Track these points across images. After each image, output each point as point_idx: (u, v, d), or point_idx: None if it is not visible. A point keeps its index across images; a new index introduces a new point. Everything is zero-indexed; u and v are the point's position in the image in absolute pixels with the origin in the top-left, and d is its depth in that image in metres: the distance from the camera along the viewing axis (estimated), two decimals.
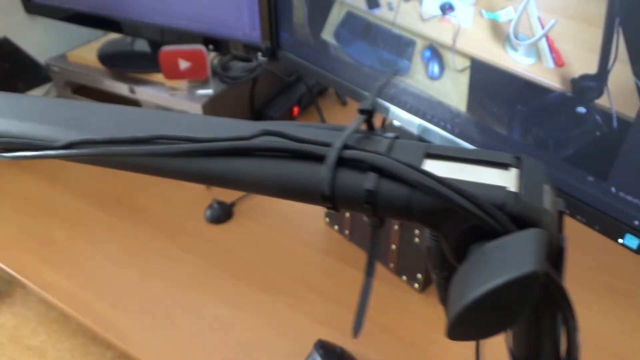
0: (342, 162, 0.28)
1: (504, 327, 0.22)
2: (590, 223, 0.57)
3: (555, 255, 0.26)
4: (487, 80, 0.61)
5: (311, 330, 0.72)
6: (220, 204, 0.92)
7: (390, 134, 0.30)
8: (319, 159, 0.28)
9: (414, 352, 0.70)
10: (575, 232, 0.79)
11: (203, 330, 0.74)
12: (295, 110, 1.17)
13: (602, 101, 0.51)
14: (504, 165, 0.27)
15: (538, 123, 0.57)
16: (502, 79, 0.59)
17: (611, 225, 0.55)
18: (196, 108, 0.99)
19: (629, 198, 0.52)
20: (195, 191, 0.97)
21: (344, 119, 1.20)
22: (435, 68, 0.66)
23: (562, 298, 0.26)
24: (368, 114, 0.31)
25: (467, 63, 0.62)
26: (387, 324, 0.74)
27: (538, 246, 0.22)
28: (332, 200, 0.29)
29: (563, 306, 0.26)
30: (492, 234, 0.24)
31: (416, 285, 0.78)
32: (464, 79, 0.63)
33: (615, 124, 0.51)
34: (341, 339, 0.70)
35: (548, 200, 0.26)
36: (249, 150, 0.30)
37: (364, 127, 0.32)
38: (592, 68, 0.51)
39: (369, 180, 0.27)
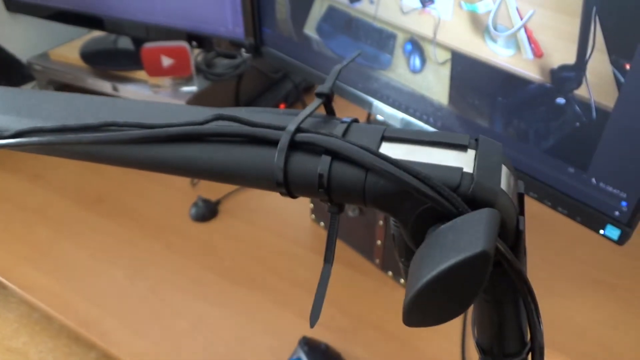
0: (296, 146, 0.27)
1: (459, 310, 0.22)
2: (571, 215, 0.57)
3: (513, 237, 0.26)
4: (467, 73, 0.61)
5: (296, 326, 0.72)
6: (205, 201, 0.92)
7: (348, 118, 0.30)
8: (273, 143, 0.27)
9: (400, 347, 0.70)
10: (559, 225, 0.80)
11: (188, 329, 0.73)
12: (282, 107, 1.16)
13: (581, 91, 0.51)
14: (461, 147, 0.27)
15: (518, 115, 0.57)
16: (483, 71, 0.59)
17: (592, 217, 0.55)
18: None
19: (609, 189, 0.52)
20: (180, 189, 0.96)
21: None
22: (416, 61, 0.66)
23: (520, 280, 0.25)
24: (325, 97, 0.30)
25: (448, 55, 0.62)
26: (373, 319, 0.73)
27: (489, 226, 0.22)
28: (286, 185, 0.28)
29: (522, 289, 0.26)
30: (447, 217, 0.24)
31: (402, 280, 0.78)
32: (445, 72, 0.63)
33: (594, 114, 0.50)
34: (326, 336, 0.69)
35: (505, 181, 0.25)
36: (202, 136, 0.29)
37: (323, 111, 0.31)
38: (570, 58, 0.50)
39: (322, 164, 0.27)
